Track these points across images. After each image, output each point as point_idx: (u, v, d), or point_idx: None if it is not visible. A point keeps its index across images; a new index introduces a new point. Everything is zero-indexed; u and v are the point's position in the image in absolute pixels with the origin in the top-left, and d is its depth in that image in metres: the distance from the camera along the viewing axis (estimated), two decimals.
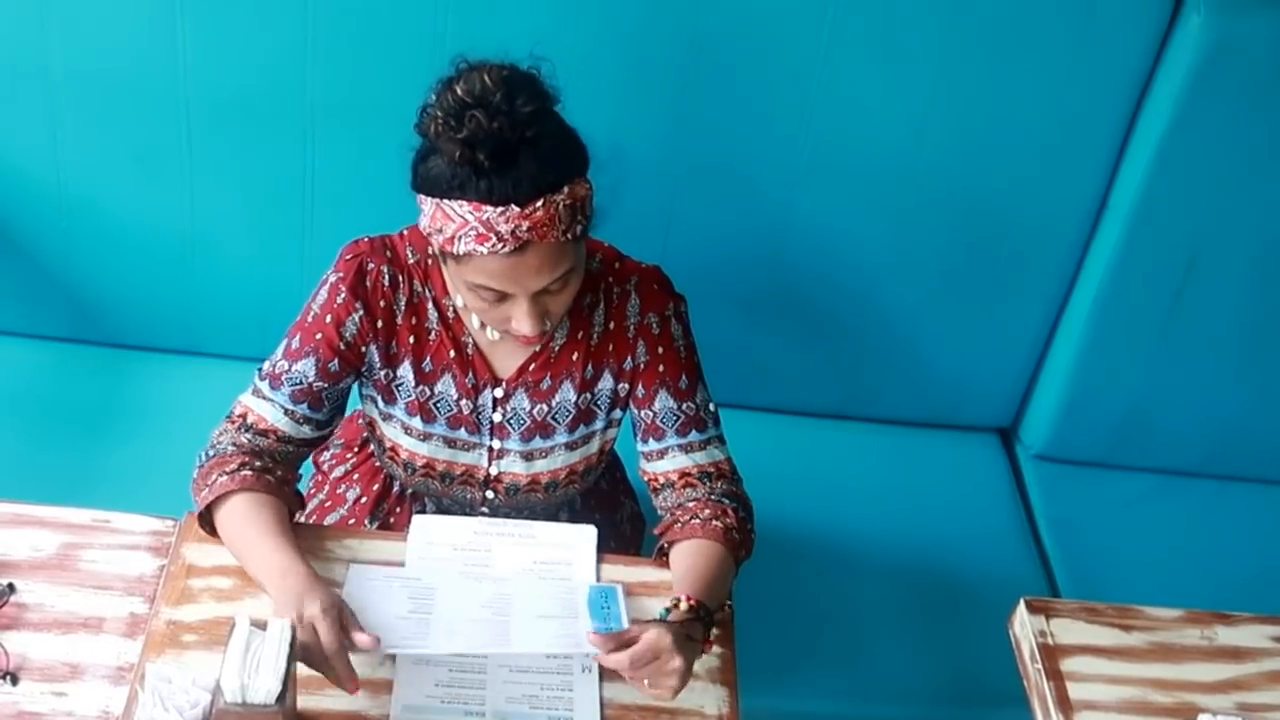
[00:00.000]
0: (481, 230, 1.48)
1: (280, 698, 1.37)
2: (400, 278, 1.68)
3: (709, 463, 1.74)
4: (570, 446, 1.78)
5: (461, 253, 1.51)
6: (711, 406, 1.77)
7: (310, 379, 1.67)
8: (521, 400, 1.74)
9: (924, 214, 2.33)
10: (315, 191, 2.27)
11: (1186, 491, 2.59)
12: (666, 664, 1.48)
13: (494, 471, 1.79)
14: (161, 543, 1.65)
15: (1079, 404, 2.52)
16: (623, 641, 1.49)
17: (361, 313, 1.67)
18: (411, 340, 1.70)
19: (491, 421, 1.76)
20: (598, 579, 1.68)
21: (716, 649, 1.61)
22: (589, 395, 1.76)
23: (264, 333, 1.80)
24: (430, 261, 1.69)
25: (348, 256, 1.68)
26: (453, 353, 1.72)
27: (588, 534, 1.73)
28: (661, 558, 1.71)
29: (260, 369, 1.70)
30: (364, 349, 1.69)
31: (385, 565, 1.66)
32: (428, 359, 1.72)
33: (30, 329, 2.42)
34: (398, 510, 1.90)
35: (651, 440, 1.75)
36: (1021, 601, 1.77)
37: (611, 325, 1.73)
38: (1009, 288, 2.44)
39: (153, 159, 2.23)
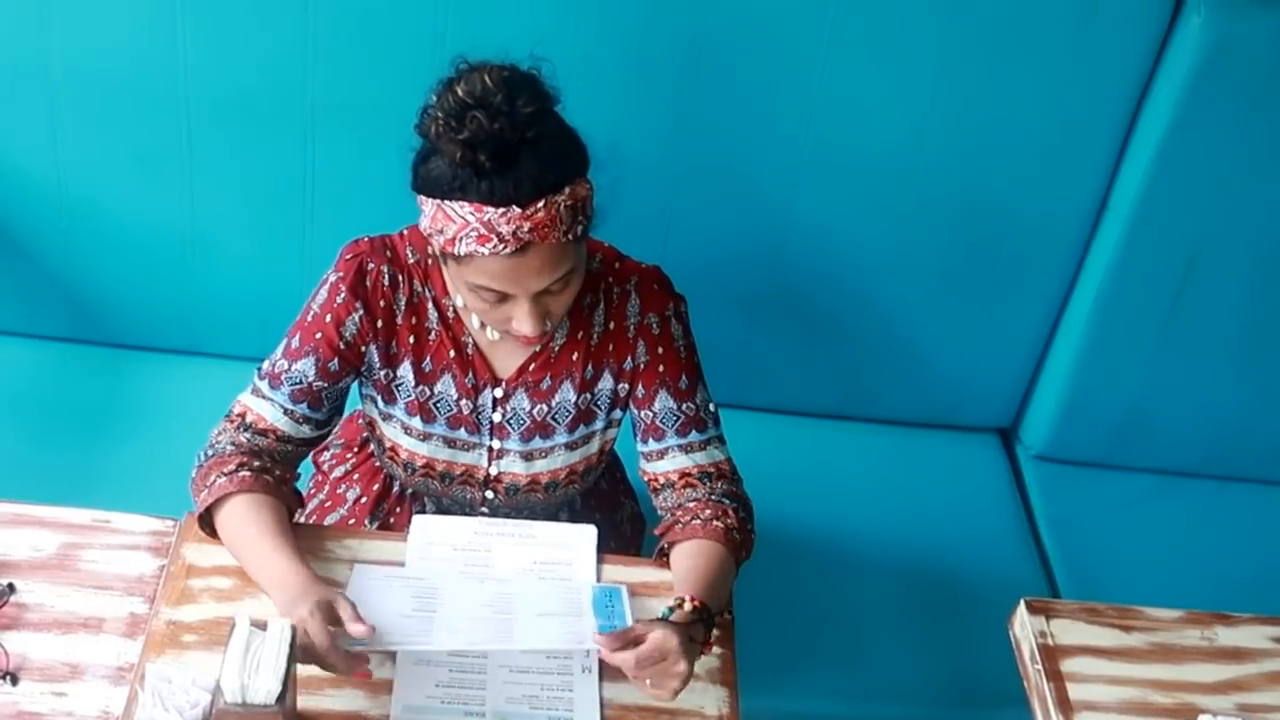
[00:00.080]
0: (483, 231, 1.48)
1: (280, 698, 1.37)
2: (400, 277, 1.68)
3: (709, 463, 1.74)
4: (570, 447, 1.78)
5: (463, 254, 1.51)
6: (711, 407, 1.77)
7: (310, 378, 1.67)
8: (521, 400, 1.74)
9: (924, 214, 2.33)
10: (315, 191, 2.26)
11: (1186, 492, 2.59)
12: (672, 665, 1.48)
13: (494, 471, 1.79)
14: (161, 543, 1.65)
15: (1079, 404, 2.52)
16: (628, 640, 1.49)
17: (361, 312, 1.67)
18: (411, 340, 1.70)
19: (491, 421, 1.76)
20: (598, 579, 1.68)
21: (716, 649, 1.61)
22: (589, 395, 1.76)
23: (264, 333, 1.80)
24: (430, 261, 1.69)
25: (348, 256, 1.68)
26: (453, 353, 1.72)
27: (588, 534, 1.73)
28: (662, 558, 1.71)
29: (260, 368, 1.70)
30: (364, 349, 1.69)
31: (385, 565, 1.66)
32: (428, 359, 1.72)
33: (30, 329, 2.42)
34: (398, 510, 1.90)
35: (651, 440, 1.75)
36: (1022, 602, 1.77)
37: (611, 325, 1.73)
38: (1009, 288, 2.43)
39: (153, 159, 2.23)
